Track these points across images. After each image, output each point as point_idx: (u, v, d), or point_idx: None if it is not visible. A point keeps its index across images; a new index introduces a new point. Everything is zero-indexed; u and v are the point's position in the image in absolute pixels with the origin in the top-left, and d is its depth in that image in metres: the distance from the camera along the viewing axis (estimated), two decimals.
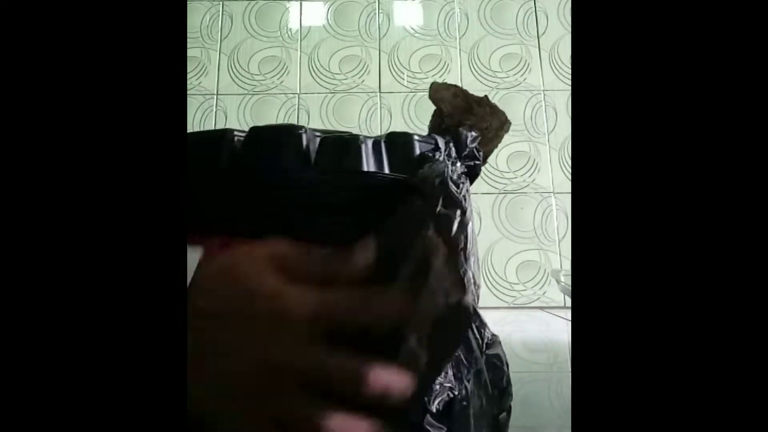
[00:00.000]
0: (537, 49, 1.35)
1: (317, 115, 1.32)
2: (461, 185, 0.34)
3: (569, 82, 1.32)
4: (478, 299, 0.44)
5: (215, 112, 1.33)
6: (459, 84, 1.42)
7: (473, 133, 0.41)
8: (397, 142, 0.37)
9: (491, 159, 1.31)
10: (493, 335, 0.40)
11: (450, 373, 0.35)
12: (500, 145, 1.38)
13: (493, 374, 0.38)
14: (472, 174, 0.42)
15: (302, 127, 0.36)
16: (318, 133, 0.36)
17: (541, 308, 1.19)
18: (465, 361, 0.36)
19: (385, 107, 1.32)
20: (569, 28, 1.36)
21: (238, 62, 1.36)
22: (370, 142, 0.36)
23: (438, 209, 0.31)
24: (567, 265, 1.22)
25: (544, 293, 1.22)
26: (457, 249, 0.31)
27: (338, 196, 0.33)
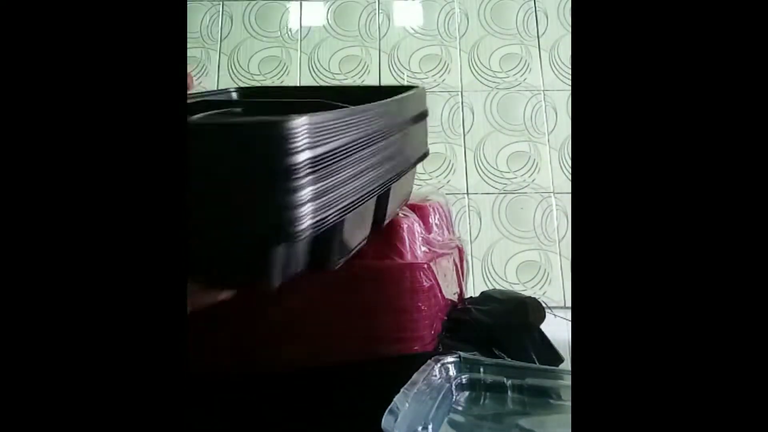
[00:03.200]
0: (537, 49, 1.35)
1: None
2: None
3: (569, 82, 1.33)
4: None
5: None
6: (459, 84, 1.40)
7: None
8: None
9: (491, 159, 1.32)
10: None
11: None
12: (500, 145, 1.38)
13: None
14: None
15: None
16: None
17: None
18: None
19: None
20: (569, 28, 1.36)
21: (238, 62, 1.36)
22: None
23: None
24: (567, 264, 1.22)
25: (544, 293, 1.22)
26: None
27: None
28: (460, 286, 0.57)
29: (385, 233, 0.46)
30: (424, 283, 0.45)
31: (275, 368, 0.46)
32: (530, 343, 0.50)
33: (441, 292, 0.48)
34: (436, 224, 0.54)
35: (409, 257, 0.46)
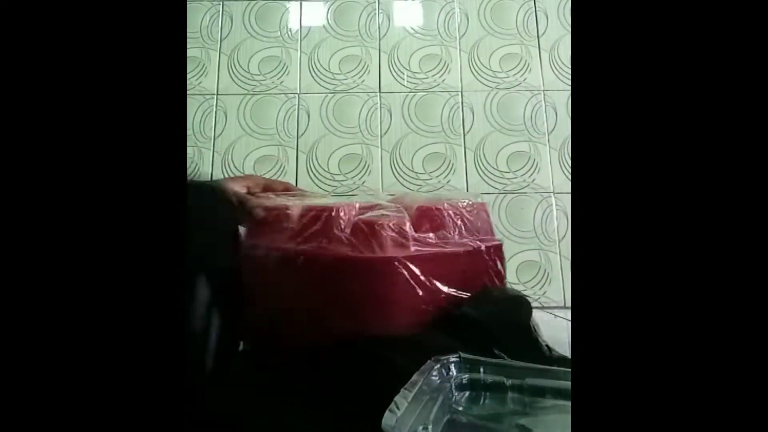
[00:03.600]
0: (537, 49, 1.35)
1: (317, 115, 1.32)
2: None
3: (569, 82, 1.32)
4: None
5: (215, 112, 1.33)
6: (459, 84, 1.41)
7: None
8: None
9: (491, 159, 1.32)
10: None
11: None
12: (500, 146, 1.39)
13: None
14: None
15: None
16: None
17: (541, 308, 1.19)
18: None
19: (385, 107, 1.32)
20: (569, 28, 1.36)
21: (238, 62, 1.36)
22: None
23: None
24: (567, 264, 1.22)
25: (544, 293, 1.22)
26: None
27: None
28: (475, 284, 0.57)
29: (365, 231, 0.52)
30: (397, 276, 0.50)
31: (274, 344, 0.53)
32: (514, 338, 0.51)
33: (423, 285, 0.52)
34: (447, 225, 0.58)
35: (382, 252, 0.51)
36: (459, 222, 0.60)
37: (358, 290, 0.51)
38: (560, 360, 0.52)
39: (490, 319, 0.51)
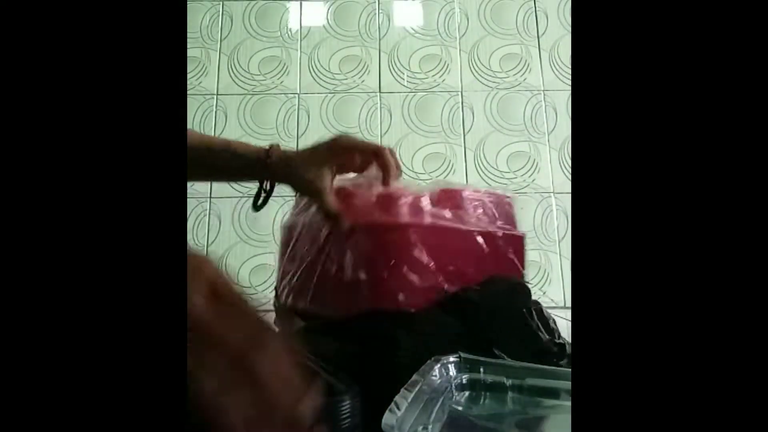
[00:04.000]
0: (537, 49, 1.36)
1: (317, 116, 1.32)
2: None
3: (569, 82, 1.32)
4: None
5: (215, 112, 1.33)
6: (459, 84, 1.41)
7: None
8: None
9: (491, 159, 1.32)
10: None
11: None
12: (500, 146, 1.38)
13: None
14: None
15: None
16: None
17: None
18: None
19: (385, 107, 1.32)
20: (569, 28, 1.36)
21: (238, 62, 1.36)
22: None
23: None
24: (567, 264, 1.22)
25: (544, 293, 1.22)
26: None
27: None
28: (488, 267, 0.58)
29: (384, 201, 0.55)
30: (410, 240, 0.53)
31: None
32: (507, 323, 0.51)
33: (434, 255, 0.53)
34: (466, 208, 0.59)
35: (397, 219, 0.54)
36: (479, 206, 0.61)
37: (374, 253, 0.53)
38: (561, 347, 0.52)
39: (487, 302, 0.52)
